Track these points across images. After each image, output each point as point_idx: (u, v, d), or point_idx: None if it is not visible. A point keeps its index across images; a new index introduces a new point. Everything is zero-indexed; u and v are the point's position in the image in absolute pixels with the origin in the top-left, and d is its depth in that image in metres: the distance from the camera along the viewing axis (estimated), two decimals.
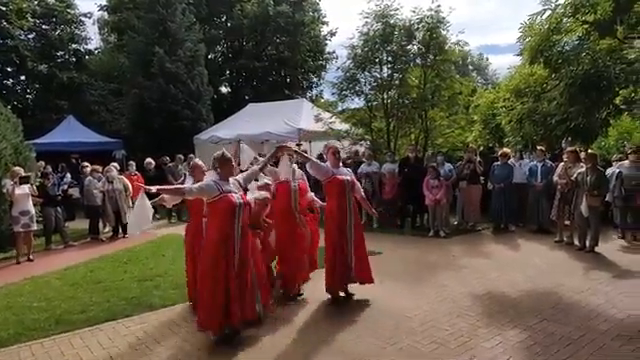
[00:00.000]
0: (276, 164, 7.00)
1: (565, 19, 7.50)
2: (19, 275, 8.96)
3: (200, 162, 6.79)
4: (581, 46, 7.45)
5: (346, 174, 6.87)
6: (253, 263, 5.76)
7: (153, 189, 5.40)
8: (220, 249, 5.37)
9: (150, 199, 5.68)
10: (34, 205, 11.60)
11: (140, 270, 8.97)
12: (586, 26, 7.45)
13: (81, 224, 13.63)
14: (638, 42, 6.22)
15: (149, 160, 15.83)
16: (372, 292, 7.13)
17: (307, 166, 6.72)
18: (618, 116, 7.87)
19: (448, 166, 12.05)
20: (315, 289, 7.12)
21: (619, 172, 10.53)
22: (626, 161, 10.67)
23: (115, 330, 6.13)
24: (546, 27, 7.49)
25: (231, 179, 5.69)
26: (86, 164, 13.95)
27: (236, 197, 5.51)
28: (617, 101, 7.27)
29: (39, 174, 12.34)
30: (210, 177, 5.69)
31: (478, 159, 12.09)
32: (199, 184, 5.61)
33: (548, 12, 7.56)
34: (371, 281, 6.90)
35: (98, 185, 12.68)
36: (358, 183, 7.25)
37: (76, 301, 7.26)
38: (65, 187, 13.16)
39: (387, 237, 11.14)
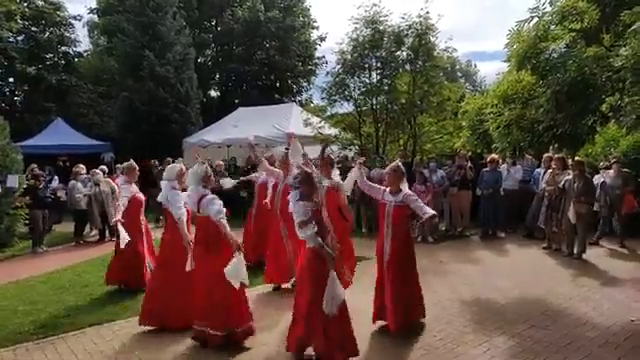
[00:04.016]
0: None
1: (552, 26, 7.53)
2: (3, 278, 8.85)
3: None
4: (568, 54, 7.45)
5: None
6: None
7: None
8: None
9: None
10: (21, 207, 11.52)
11: None
12: (573, 34, 7.48)
13: (68, 227, 13.50)
14: (624, 50, 6.24)
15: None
16: (361, 298, 7.13)
17: None
18: (605, 123, 7.88)
19: (440, 173, 12.09)
20: None
21: (603, 182, 10.67)
22: (610, 170, 10.81)
23: (100, 335, 6.07)
24: (533, 34, 7.51)
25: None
26: (82, 166, 13.66)
27: (142, 196, 7.89)
28: (603, 108, 7.28)
29: (29, 176, 12.25)
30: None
31: (469, 165, 12.16)
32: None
33: (535, 19, 7.60)
34: None
35: (82, 189, 12.57)
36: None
37: (61, 305, 7.20)
38: (54, 190, 13.07)
39: (375, 242, 11.11)
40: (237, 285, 5.32)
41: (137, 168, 8.12)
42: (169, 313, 6.01)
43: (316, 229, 4.78)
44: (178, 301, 5.91)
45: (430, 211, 5.96)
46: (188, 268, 5.67)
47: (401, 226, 6.02)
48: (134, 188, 7.91)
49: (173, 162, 15.85)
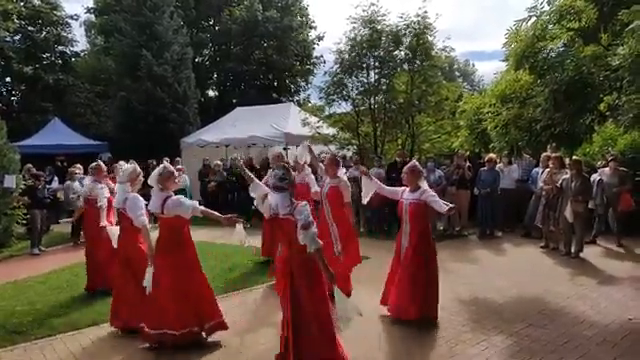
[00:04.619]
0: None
1: (550, 26, 7.54)
2: (1, 279, 8.82)
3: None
4: (566, 53, 7.46)
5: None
6: None
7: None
8: None
9: None
10: (19, 207, 11.47)
11: None
12: (571, 33, 7.50)
13: (66, 228, 13.46)
14: (622, 49, 6.25)
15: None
16: (360, 298, 7.14)
17: None
18: (602, 122, 7.91)
19: (438, 172, 12.09)
20: None
21: (600, 179, 10.67)
22: (606, 168, 10.81)
23: (98, 335, 6.07)
24: (531, 34, 7.52)
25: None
26: (78, 166, 13.61)
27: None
28: (601, 107, 7.30)
29: (26, 176, 12.22)
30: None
31: (467, 164, 12.18)
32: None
33: (533, 19, 7.61)
34: None
35: (78, 189, 12.52)
36: None
37: (59, 305, 7.18)
38: (54, 190, 13.06)
39: (374, 242, 11.12)
40: (246, 243, 5.41)
41: (104, 168, 8.35)
42: (137, 315, 5.87)
43: (317, 230, 4.58)
44: (143, 302, 5.79)
45: (447, 205, 6.11)
46: (147, 285, 5.50)
47: (418, 222, 6.22)
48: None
49: (171, 162, 16.02)
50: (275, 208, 4.68)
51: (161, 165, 5.73)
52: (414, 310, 6.03)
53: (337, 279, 6.37)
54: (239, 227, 5.31)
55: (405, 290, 6.12)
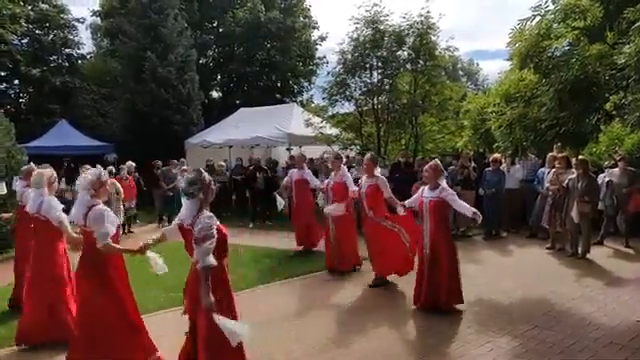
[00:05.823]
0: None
1: (555, 25, 7.50)
2: (7, 279, 8.82)
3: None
4: (571, 52, 7.42)
5: None
6: None
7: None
8: None
9: None
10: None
11: (130, 274, 8.82)
12: (576, 32, 7.46)
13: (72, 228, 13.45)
14: (628, 47, 6.20)
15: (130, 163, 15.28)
16: (363, 297, 7.12)
17: None
18: (609, 122, 7.86)
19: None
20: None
21: (609, 181, 10.56)
22: (616, 169, 10.70)
23: None
24: (536, 32, 7.48)
25: None
26: (87, 167, 13.62)
27: None
28: (607, 107, 7.26)
29: None
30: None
31: (472, 165, 12.11)
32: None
33: (538, 18, 7.57)
34: None
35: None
36: None
37: None
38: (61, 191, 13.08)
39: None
40: (159, 271, 4.74)
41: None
42: (48, 327, 5.70)
43: (213, 245, 4.02)
44: (55, 313, 5.68)
45: (471, 211, 6.45)
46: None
47: (438, 218, 6.53)
48: None
49: (176, 163, 16.03)
50: (183, 217, 4.30)
51: (97, 168, 5.10)
52: (445, 302, 6.44)
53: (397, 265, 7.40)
54: (151, 254, 4.71)
55: (433, 284, 6.47)
